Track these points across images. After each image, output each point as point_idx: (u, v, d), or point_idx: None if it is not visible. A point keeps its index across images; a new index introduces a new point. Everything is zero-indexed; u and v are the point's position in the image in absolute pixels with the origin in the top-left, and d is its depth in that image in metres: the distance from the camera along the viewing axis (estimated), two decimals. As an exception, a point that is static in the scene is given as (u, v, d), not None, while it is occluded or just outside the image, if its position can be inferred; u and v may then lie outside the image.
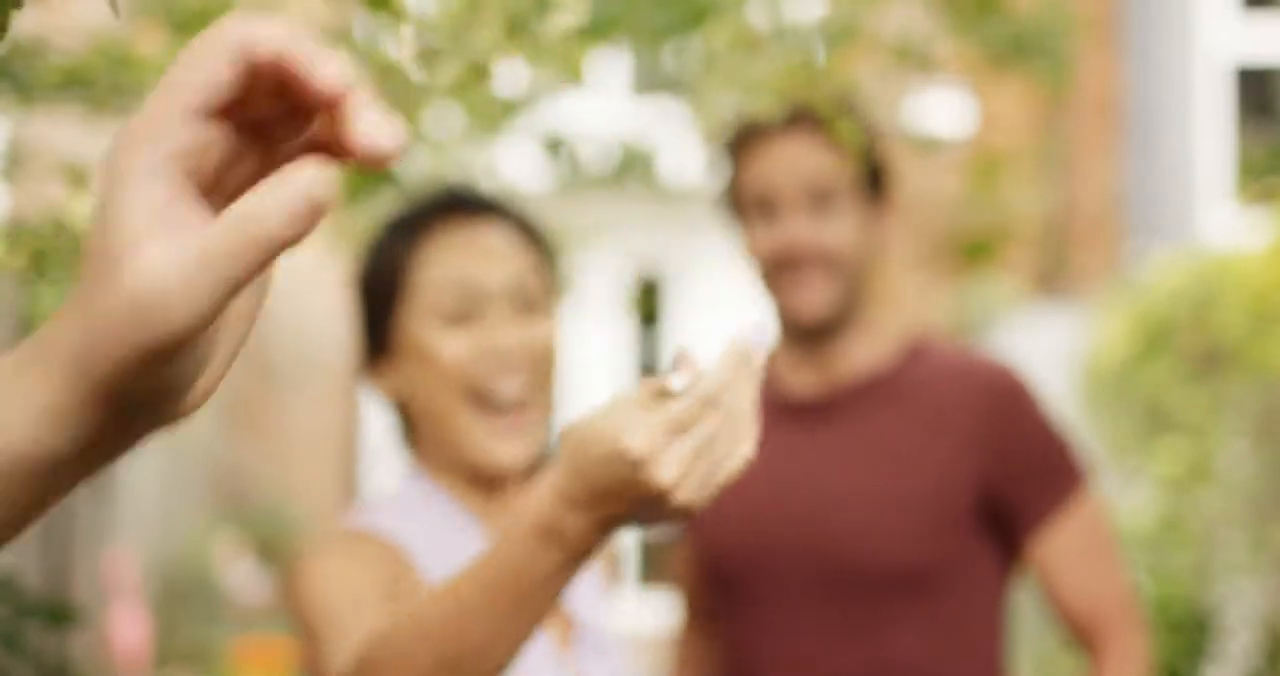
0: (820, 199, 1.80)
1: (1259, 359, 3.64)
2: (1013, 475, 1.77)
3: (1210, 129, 7.81)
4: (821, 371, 1.84)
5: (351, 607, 1.25)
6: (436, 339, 1.40)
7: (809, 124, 1.80)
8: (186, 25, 2.72)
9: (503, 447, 1.39)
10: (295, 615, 1.31)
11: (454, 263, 1.41)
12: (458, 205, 1.46)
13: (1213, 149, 7.79)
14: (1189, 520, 4.30)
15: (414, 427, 1.47)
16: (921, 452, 1.77)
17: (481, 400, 1.39)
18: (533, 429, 1.41)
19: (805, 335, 1.84)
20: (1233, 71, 8.02)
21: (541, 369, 1.42)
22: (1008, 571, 1.81)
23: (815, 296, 1.80)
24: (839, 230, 1.81)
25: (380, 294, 1.45)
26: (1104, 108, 8.68)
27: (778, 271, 1.81)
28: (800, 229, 1.80)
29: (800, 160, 1.82)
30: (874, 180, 1.85)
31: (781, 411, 1.83)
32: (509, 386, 1.39)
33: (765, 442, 1.78)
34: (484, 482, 1.43)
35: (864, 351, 1.84)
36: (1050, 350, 6.97)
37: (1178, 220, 7.74)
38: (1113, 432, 5.52)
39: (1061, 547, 1.77)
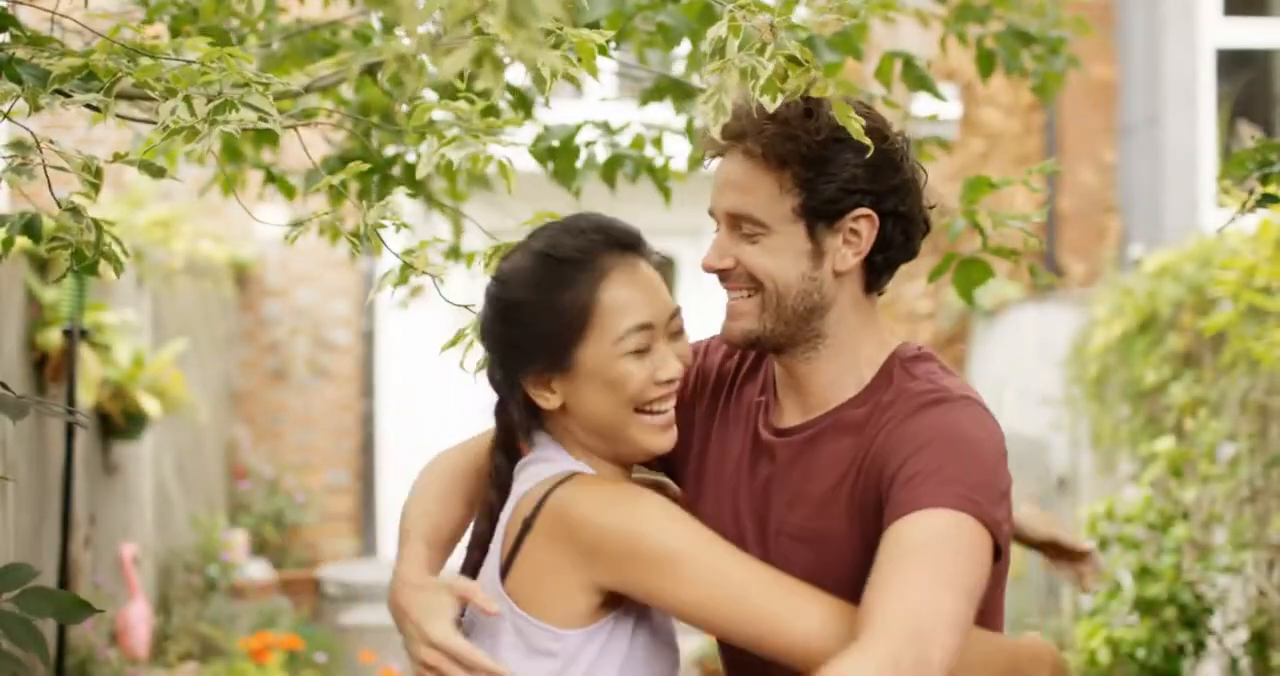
0: (743, 222, 1.76)
1: (1250, 349, 3.65)
2: (887, 496, 1.67)
3: (1209, 122, 7.81)
4: (798, 399, 1.83)
5: (722, 546, 1.66)
6: (623, 369, 1.72)
7: (751, 140, 1.73)
8: (183, 22, 2.74)
9: (661, 441, 1.78)
10: (645, 553, 1.64)
11: (635, 307, 1.72)
12: (618, 243, 1.75)
13: (1210, 142, 7.79)
14: (1180, 514, 4.32)
15: (552, 421, 1.80)
16: (839, 492, 1.73)
17: (649, 412, 1.76)
18: (673, 417, 1.79)
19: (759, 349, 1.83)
20: (1217, 62, 8.01)
21: (684, 371, 1.79)
22: None
23: (732, 316, 1.79)
24: (754, 255, 1.75)
25: (565, 328, 1.73)
26: (1103, 101, 8.69)
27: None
28: (715, 248, 1.78)
29: (730, 179, 1.77)
30: (832, 209, 1.73)
31: (759, 441, 1.83)
32: (669, 405, 1.78)
33: (735, 476, 1.80)
34: (624, 462, 1.80)
35: (835, 382, 1.79)
36: (1047, 344, 6.98)
37: (1177, 214, 7.75)
38: (1108, 426, 5.53)
39: (880, 551, 1.60)
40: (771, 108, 1.65)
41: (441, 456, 2.02)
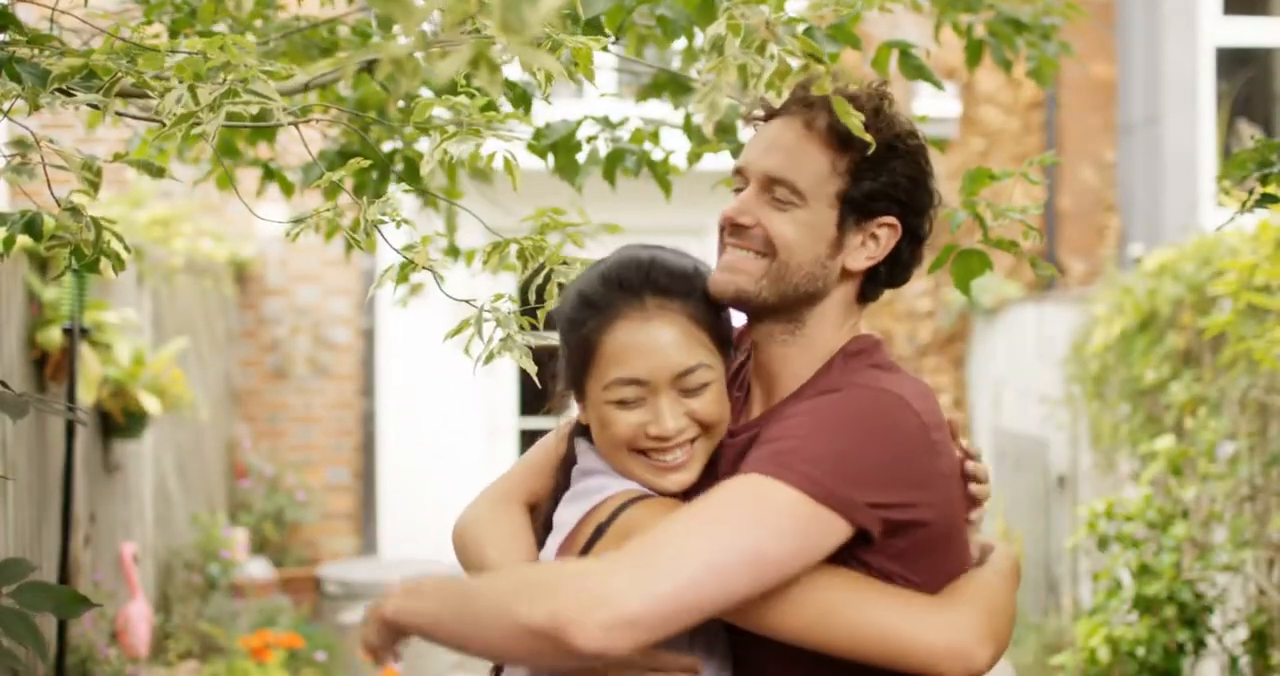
0: (779, 187, 1.75)
1: (1250, 347, 3.65)
2: None
3: (1209, 121, 7.81)
4: (762, 392, 1.83)
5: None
6: (611, 415, 1.76)
7: (821, 113, 1.74)
8: (182, 24, 2.74)
9: (667, 483, 1.78)
10: None
11: (628, 361, 1.73)
12: (645, 290, 1.75)
13: (1210, 141, 7.79)
14: (1179, 513, 4.32)
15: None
16: None
17: (646, 456, 1.77)
18: (695, 463, 1.78)
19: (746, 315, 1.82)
20: (1217, 61, 8.00)
21: (702, 427, 1.77)
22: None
23: (730, 270, 1.77)
24: (782, 222, 1.75)
25: (576, 361, 1.79)
26: (1102, 100, 8.69)
27: (720, 242, 1.81)
28: (740, 204, 1.78)
29: (780, 143, 1.77)
30: (869, 207, 1.75)
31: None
32: (670, 456, 1.77)
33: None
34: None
35: (796, 374, 1.80)
36: (1046, 343, 6.98)
37: (1177, 213, 7.74)
38: (1107, 425, 5.53)
39: None
40: (777, 102, 1.67)
41: (484, 517, 1.93)
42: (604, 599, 1.51)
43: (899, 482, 1.65)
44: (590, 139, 2.92)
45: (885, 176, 1.75)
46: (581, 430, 1.87)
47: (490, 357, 2.01)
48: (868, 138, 1.67)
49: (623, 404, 1.74)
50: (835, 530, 1.60)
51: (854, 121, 1.65)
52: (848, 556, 1.65)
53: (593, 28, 2.31)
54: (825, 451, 1.61)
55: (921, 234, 1.81)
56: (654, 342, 1.73)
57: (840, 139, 1.73)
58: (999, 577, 1.77)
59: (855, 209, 1.75)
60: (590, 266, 1.84)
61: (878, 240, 1.78)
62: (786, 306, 1.78)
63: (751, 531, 1.56)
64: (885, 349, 1.82)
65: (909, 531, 1.66)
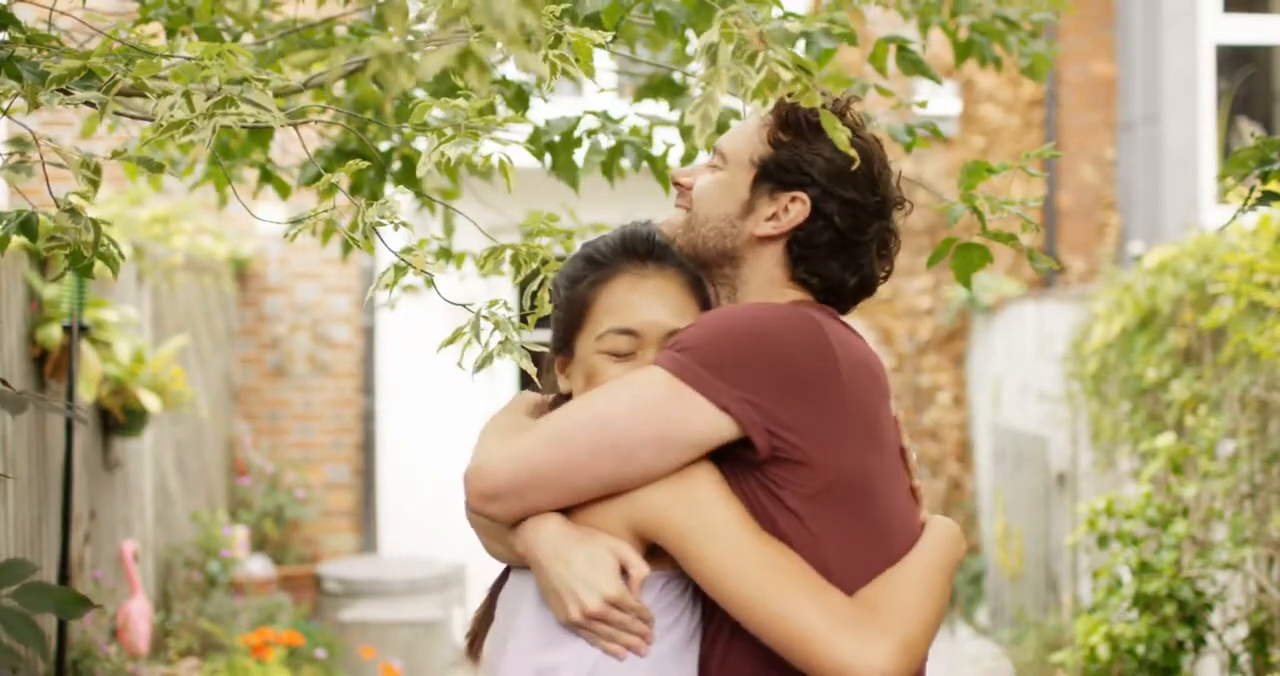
0: (716, 153, 1.90)
1: (1250, 342, 3.65)
2: None
3: (1209, 118, 7.80)
4: None
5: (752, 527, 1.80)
6: (601, 366, 1.82)
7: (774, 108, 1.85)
8: (179, 22, 2.74)
9: None
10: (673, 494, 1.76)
11: (622, 312, 1.82)
12: (644, 253, 1.87)
13: (1210, 138, 7.78)
14: (1179, 510, 4.32)
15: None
16: None
17: None
18: None
19: None
20: (1217, 59, 7.99)
21: None
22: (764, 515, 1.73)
23: (665, 223, 1.92)
24: (704, 179, 1.89)
25: (569, 318, 1.87)
26: (1102, 98, 8.68)
27: None
28: (690, 167, 1.94)
29: (738, 128, 1.92)
30: (780, 173, 1.83)
31: None
32: None
33: None
34: None
35: None
36: (1046, 341, 6.98)
37: (1177, 211, 7.74)
38: (1108, 423, 5.53)
39: None
40: (762, 111, 1.75)
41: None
42: (477, 468, 1.72)
43: (779, 388, 1.67)
44: (590, 133, 2.91)
45: (805, 153, 1.82)
46: (559, 402, 1.91)
47: (487, 361, 2.01)
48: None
49: (614, 355, 1.82)
50: (701, 412, 1.67)
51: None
52: (757, 487, 1.69)
53: (591, 25, 2.30)
54: (704, 339, 1.70)
55: (840, 224, 1.83)
56: (651, 298, 1.83)
57: (782, 114, 1.83)
58: (926, 572, 1.76)
59: (768, 175, 1.84)
60: (595, 236, 1.96)
61: (788, 213, 1.84)
62: (705, 260, 1.88)
63: (604, 402, 1.70)
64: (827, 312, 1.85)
65: (803, 469, 1.67)
